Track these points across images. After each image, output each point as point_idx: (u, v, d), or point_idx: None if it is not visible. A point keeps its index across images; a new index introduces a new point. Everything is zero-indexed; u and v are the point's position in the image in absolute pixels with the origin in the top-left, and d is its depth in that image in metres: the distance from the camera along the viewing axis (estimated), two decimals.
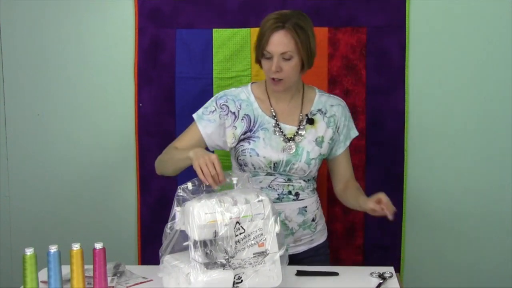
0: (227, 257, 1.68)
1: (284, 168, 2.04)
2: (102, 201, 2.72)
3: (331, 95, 2.18)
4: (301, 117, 2.08)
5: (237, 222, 1.70)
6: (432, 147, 2.61)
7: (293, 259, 2.03)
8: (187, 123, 2.15)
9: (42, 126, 2.70)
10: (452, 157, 2.61)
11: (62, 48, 2.65)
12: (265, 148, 2.02)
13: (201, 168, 1.77)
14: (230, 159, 2.17)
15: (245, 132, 2.05)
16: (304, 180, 2.10)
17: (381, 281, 1.85)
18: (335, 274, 1.93)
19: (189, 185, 1.75)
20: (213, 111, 2.07)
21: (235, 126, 2.06)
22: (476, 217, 2.63)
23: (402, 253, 2.64)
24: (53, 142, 2.70)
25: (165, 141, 2.19)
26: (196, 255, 1.67)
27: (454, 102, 2.58)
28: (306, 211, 2.10)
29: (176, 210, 1.73)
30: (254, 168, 2.04)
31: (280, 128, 2.05)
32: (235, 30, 2.55)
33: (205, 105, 2.10)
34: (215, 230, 1.67)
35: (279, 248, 1.75)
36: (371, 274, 1.91)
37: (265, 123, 2.06)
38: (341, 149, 2.14)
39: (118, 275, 1.90)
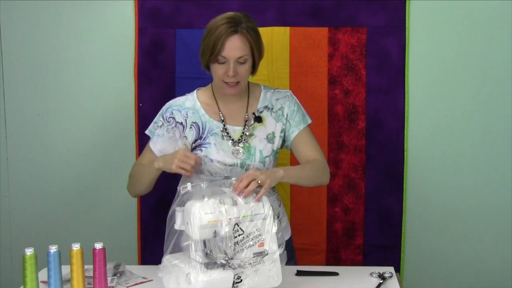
0: (227, 258, 1.69)
1: (241, 170, 2.01)
2: (102, 201, 2.72)
3: (276, 89, 2.13)
4: (246, 117, 2.06)
5: (236, 224, 1.70)
6: (432, 147, 2.61)
7: None
8: None
9: (42, 126, 2.70)
10: (452, 157, 2.61)
11: (62, 48, 2.65)
12: (218, 153, 2.00)
13: (181, 168, 1.85)
14: None
15: (196, 140, 2.02)
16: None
17: (381, 281, 1.85)
18: (335, 274, 1.93)
19: (189, 185, 1.75)
20: (161, 126, 2.05)
21: (185, 136, 2.03)
22: (476, 217, 2.63)
23: (402, 253, 2.64)
24: (53, 142, 2.71)
25: None
26: (197, 255, 1.67)
27: (454, 102, 2.58)
28: None
29: (176, 210, 1.74)
30: (211, 174, 2.01)
31: (228, 133, 2.02)
32: None
33: (154, 119, 2.08)
34: (215, 230, 1.68)
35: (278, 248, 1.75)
36: (371, 274, 1.91)
37: (214, 128, 2.03)
38: (294, 133, 2.07)
39: (118, 275, 1.90)
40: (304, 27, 2.56)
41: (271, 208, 1.76)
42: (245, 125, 2.04)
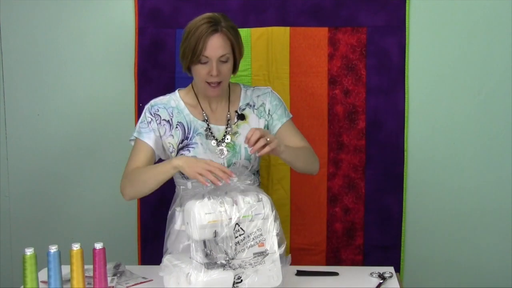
0: (227, 258, 1.69)
1: (227, 168, 2.00)
2: (102, 201, 2.72)
3: (256, 87, 2.15)
4: (228, 115, 2.06)
5: (237, 224, 1.70)
6: (432, 147, 2.61)
7: None
8: None
9: (42, 126, 2.70)
10: (452, 157, 2.61)
11: (62, 48, 2.65)
12: (205, 153, 1.99)
13: (200, 174, 1.75)
14: None
15: (182, 140, 2.02)
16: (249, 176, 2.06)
17: (381, 281, 1.85)
18: (335, 274, 1.93)
19: (189, 185, 1.75)
20: (150, 121, 2.03)
21: (172, 135, 2.02)
22: (476, 217, 2.63)
23: (402, 253, 2.64)
24: (53, 142, 2.70)
25: None
26: (197, 255, 1.67)
27: (454, 102, 2.58)
28: None
29: (176, 210, 1.74)
30: None
31: (211, 132, 2.03)
32: None
33: (139, 121, 2.06)
34: (215, 230, 1.68)
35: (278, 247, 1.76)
36: (371, 274, 1.91)
37: (199, 128, 2.03)
38: (278, 126, 2.08)
39: (118, 275, 1.90)
40: (304, 27, 2.56)
41: (272, 208, 1.76)
42: (227, 124, 2.05)
